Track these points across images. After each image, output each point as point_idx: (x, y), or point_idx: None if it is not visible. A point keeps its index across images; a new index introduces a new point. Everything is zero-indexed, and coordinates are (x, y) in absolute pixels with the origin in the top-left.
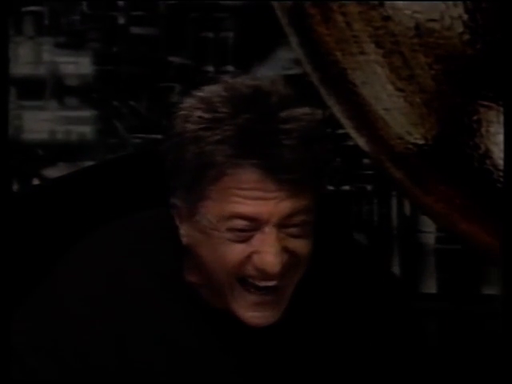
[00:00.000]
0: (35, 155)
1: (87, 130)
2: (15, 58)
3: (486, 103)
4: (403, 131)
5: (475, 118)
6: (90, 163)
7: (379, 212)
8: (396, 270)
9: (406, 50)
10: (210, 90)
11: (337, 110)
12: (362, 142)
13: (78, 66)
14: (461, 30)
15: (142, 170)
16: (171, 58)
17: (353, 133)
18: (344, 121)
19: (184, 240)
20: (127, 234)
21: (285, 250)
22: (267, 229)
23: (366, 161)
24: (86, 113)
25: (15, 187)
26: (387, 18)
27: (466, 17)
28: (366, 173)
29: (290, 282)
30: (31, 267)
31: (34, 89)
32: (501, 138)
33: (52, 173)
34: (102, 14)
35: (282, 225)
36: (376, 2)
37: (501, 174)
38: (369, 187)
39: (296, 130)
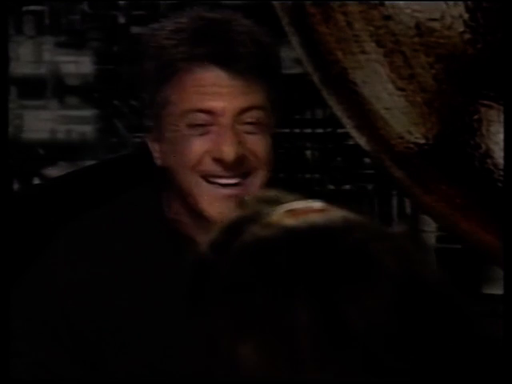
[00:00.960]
0: (36, 154)
1: (88, 130)
2: (16, 58)
3: (486, 102)
4: (404, 130)
5: (476, 117)
6: (90, 162)
7: (380, 211)
8: None
9: (406, 49)
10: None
11: (337, 110)
12: (362, 141)
13: (78, 65)
14: (461, 29)
15: (143, 169)
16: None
17: (353, 132)
18: (345, 120)
19: (158, 162)
20: (106, 211)
21: (241, 144)
22: (223, 121)
23: (366, 160)
24: (87, 112)
25: (16, 187)
26: (388, 18)
27: (466, 16)
28: (366, 172)
29: (253, 178)
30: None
31: (35, 88)
32: (502, 137)
33: (53, 172)
34: (103, 13)
35: (238, 120)
36: (377, 2)
37: (501, 173)
38: (369, 186)
39: (246, 32)
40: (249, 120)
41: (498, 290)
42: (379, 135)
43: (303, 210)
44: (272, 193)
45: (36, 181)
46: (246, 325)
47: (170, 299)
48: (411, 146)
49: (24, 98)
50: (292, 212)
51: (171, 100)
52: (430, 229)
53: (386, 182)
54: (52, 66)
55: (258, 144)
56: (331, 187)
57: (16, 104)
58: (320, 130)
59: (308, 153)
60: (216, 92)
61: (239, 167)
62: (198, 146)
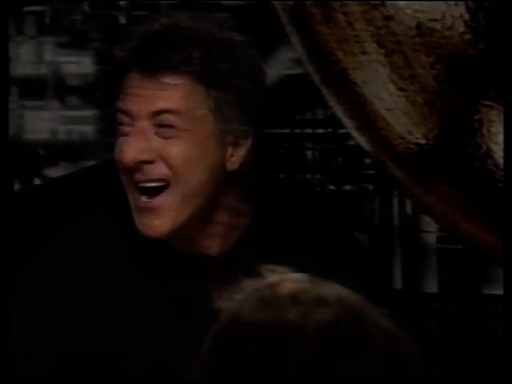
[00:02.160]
0: (37, 155)
1: (89, 130)
2: (17, 58)
3: (487, 103)
4: (405, 131)
5: (477, 117)
6: (91, 163)
7: (381, 211)
8: (397, 269)
9: (407, 49)
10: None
11: (338, 110)
12: (363, 141)
13: (79, 65)
14: (462, 29)
15: None
16: None
17: (354, 132)
18: (345, 120)
19: None
20: (97, 217)
21: (153, 149)
22: (138, 123)
23: (367, 160)
24: (88, 112)
25: (16, 187)
26: (389, 18)
27: (467, 16)
28: (367, 172)
29: (172, 191)
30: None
31: (36, 88)
32: (502, 137)
33: (53, 172)
34: (104, 13)
35: (153, 123)
36: (378, 2)
37: (502, 173)
38: (370, 187)
39: (188, 38)
40: (164, 123)
41: (498, 290)
42: (380, 135)
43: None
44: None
45: (37, 181)
46: None
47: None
48: (412, 146)
49: (25, 98)
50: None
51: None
52: (431, 229)
53: (387, 182)
54: (53, 67)
55: (171, 151)
56: (332, 187)
57: (17, 104)
58: (321, 131)
59: (309, 153)
60: (136, 94)
61: (150, 171)
62: (119, 147)
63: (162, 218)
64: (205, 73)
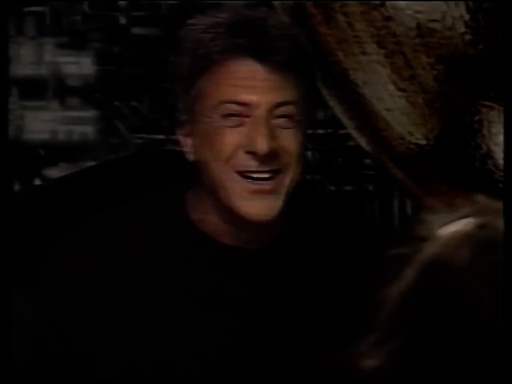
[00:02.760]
0: (37, 155)
1: (89, 131)
2: (17, 59)
3: (487, 103)
4: (405, 131)
5: (477, 118)
6: (91, 163)
7: (381, 212)
8: None
9: (407, 50)
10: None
11: (339, 110)
12: (363, 142)
13: (79, 66)
14: (462, 30)
15: (144, 170)
16: (172, 58)
17: (355, 133)
18: (346, 121)
19: (190, 157)
20: (133, 207)
21: (274, 138)
22: (257, 114)
23: (367, 161)
24: (88, 113)
25: (17, 187)
26: (389, 19)
27: (467, 17)
28: (367, 173)
29: (284, 175)
30: (32, 267)
31: (36, 89)
32: (502, 138)
33: (53, 173)
34: (104, 14)
35: (272, 114)
36: (378, 2)
37: (502, 173)
38: (370, 187)
39: (282, 28)
40: (282, 114)
41: None
42: (380, 136)
43: None
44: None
45: (37, 181)
46: None
47: (188, 302)
48: (412, 146)
49: (25, 98)
50: None
51: (206, 92)
52: None
53: (387, 182)
54: (53, 67)
55: (290, 139)
56: (332, 188)
57: (17, 105)
58: (321, 131)
59: (309, 154)
60: (251, 85)
61: (272, 161)
62: (232, 138)
63: (273, 199)
64: (303, 67)
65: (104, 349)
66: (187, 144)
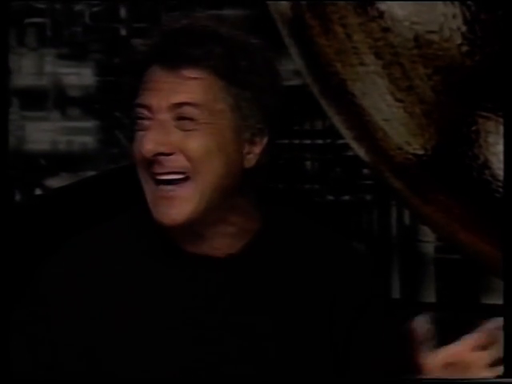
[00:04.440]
0: (37, 165)
1: (89, 141)
2: (18, 69)
3: (484, 114)
4: (403, 141)
5: (474, 128)
6: (91, 173)
7: (379, 221)
8: (396, 279)
9: (405, 61)
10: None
11: (337, 121)
12: (361, 152)
13: (80, 76)
14: (459, 41)
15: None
16: None
17: (353, 143)
18: (344, 131)
19: None
20: (110, 223)
21: (171, 143)
22: (157, 116)
23: (365, 171)
24: (88, 123)
25: (17, 197)
26: (387, 30)
27: (464, 28)
28: (365, 183)
29: (192, 182)
30: (30, 277)
31: (37, 99)
32: (499, 148)
33: (54, 183)
34: (104, 25)
35: (174, 116)
36: (376, 14)
37: (499, 184)
38: (369, 197)
39: (207, 34)
40: (183, 116)
41: (496, 299)
42: (378, 146)
43: None
44: None
45: (38, 191)
46: None
47: (162, 313)
48: (410, 156)
49: (26, 109)
50: None
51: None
52: (429, 239)
53: (385, 192)
54: (54, 78)
55: (188, 141)
56: (330, 198)
57: (18, 115)
58: (319, 141)
59: (307, 163)
60: (156, 88)
61: (171, 164)
62: (138, 141)
63: (179, 207)
64: (224, 69)
65: (86, 354)
66: None
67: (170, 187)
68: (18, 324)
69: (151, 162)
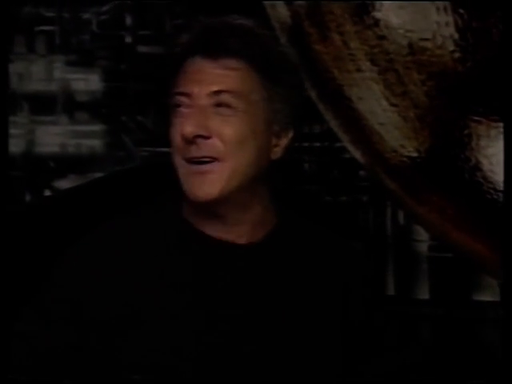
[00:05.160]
0: (47, 167)
1: (96, 144)
2: (28, 75)
3: (476, 118)
4: (397, 144)
5: (466, 132)
6: (99, 175)
7: (374, 221)
8: (390, 276)
9: (399, 67)
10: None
11: (334, 125)
12: (358, 154)
13: (87, 82)
14: (452, 48)
15: (149, 181)
16: None
17: (349, 146)
18: (341, 135)
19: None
20: (133, 214)
21: (208, 125)
22: (197, 103)
23: (362, 173)
24: (96, 127)
25: (28, 198)
26: (382, 37)
27: (456, 36)
28: (362, 184)
29: (223, 162)
30: (40, 275)
31: (46, 104)
32: (491, 151)
33: (63, 184)
34: (111, 33)
35: (213, 103)
36: (371, 22)
37: (490, 185)
38: (365, 198)
39: (241, 28)
40: (222, 102)
41: (487, 296)
42: (374, 149)
43: None
44: None
45: (47, 192)
46: None
47: (180, 294)
48: (404, 159)
49: (36, 113)
50: None
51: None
52: (423, 238)
53: (381, 193)
54: (62, 83)
55: (226, 127)
56: (328, 198)
57: (28, 119)
58: (317, 144)
59: (306, 165)
60: (196, 78)
61: (206, 148)
62: (177, 127)
63: (211, 183)
64: (261, 63)
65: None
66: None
67: (203, 166)
68: (41, 307)
69: (190, 143)
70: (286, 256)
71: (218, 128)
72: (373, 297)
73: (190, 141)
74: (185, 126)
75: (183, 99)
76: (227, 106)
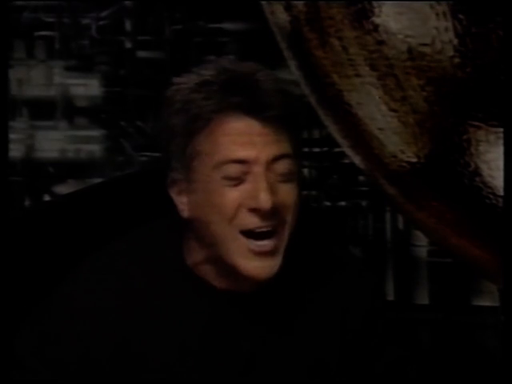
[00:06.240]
0: (47, 172)
1: (96, 149)
2: (28, 80)
3: (475, 123)
4: (397, 150)
5: (465, 137)
6: (98, 180)
7: (374, 226)
8: (390, 282)
9: (399, 72)
10: (193, 69)
11: (334, 130)
12: (357, 159)
13: (87, 87)
14: (451, 53)
15: (148, 186)
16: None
17: (349, 151)
18: (340, 140)
19: (185, 213)
20: (129, 246)
21: (274, 192)
22: (256, 170)
23: (361, 178)
24: (95, 132)
25: (27, 203)
26: (381, 43)
27: (456, 41)
28: (361, 189)
29: (283, 231)
30: (40, 280)
31: (46, 110)
32: (490, 156)
33: (62, 189)
34: (110, 38)
35: (270, 169)
36: (371, 27)
37: (490, 190)
38: (364, 203)
39: (271, 82)
40: (280, 169)
41: (486, 301)
42: (373, 154)
43: None
44: None
45: (46, 197)
46: None
47: (185, 345)
48: (404, 164)
49: (35, 118)
50: None
51: (203, 151)
52: (422, 243)
53: (380, 198)
54: (62, 89)
55: (289, 194)
56: (327, 203)
57: (27, 124)
58: (317, 149)
59: (305, 171)
60: (248, 141)
61: (273, 217)
62: (233, 197)
63: (274, 258)
64: (294, 117)
65: None
66: (182, 202)
67: (262, 242)
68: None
69: (250, 215)
70: (294, 298)
71: (283, 196)
72: (378, 321)
73: (264, 213)
74: (263, 198)
75: (235, 167)
76: (287, 171)
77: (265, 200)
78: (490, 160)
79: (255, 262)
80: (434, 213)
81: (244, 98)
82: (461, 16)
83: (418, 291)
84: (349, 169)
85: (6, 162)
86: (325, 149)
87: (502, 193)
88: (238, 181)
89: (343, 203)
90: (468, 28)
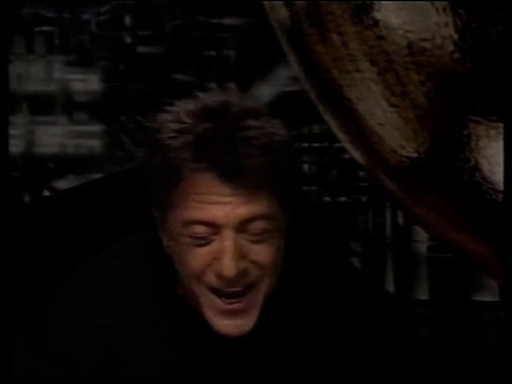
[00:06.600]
0: (46, 168)
1: (96, 144)
2: (27, 76)
3: (475, 118)
4: (397, 145)
5: (465, 132)
6: (98, 175)
7: (374, 222)
8: (390, 277)
9: (399, 67)
10: (180, 105)
11: (333, 125)
12: (357, 155)
13: (87, 82)
14: (451, 48)
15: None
16: (175, 76)
17: (349, 146)
18: (340, 135)
19: (167, 250)
20: (122, 259)
21: (245, 256)
22: (225, 233)
23: (361, 173)
24: (95, 127)
25: (27, 198)
26: (381, 38)
27: (456, 36)
28: (361, 185)
29: (257, 291)
30: (39, 275)
31: (46, 105)
32: (490, 151)
33: (62, 185)
34: (110, 33)
35: (241, 230)
36: (371, 23)
37: (490, 185)
38: (364, 198)
39: (255, 138)
40: (254, 230)
41: (486, 297)
42: (373, 149)
43: None
44: None
45: (46, 193)
46: None
47: (172, 369)
48: (404, 159)
49: (35, 114)
50: None
51: (176, 205)
52: (422, 239)
53: (380, 194)
54: (62, 84)
55: (262, 254)
56: (327, 199)
57: (27, 120)
58: (317, 145)
59: (305, 166)
60: (216, 202)
61: (242, 279)
62: (200, 258)
63: (246, 317)
64: (273, 178)
65: None
66: (162, 238)
67: (231, 302)
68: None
69: (210, 277)
70: (288, 334)
71: (256, 257)
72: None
73: (229, 280)
74: (228, 266)
75: (202, 228)
76: (261, 232)
77: (228, 268)
78: (490, 155)
79: (225, 320)
80: (433, 208)
81: (217, 158)
82: (461, 11)
83: (417, 286)
84: (349, 164)
85: (5, 157)
86: (325, 144)
87: (501, 188)
88: (205, 240)
89: (343, 198)
90: (468, 23)
